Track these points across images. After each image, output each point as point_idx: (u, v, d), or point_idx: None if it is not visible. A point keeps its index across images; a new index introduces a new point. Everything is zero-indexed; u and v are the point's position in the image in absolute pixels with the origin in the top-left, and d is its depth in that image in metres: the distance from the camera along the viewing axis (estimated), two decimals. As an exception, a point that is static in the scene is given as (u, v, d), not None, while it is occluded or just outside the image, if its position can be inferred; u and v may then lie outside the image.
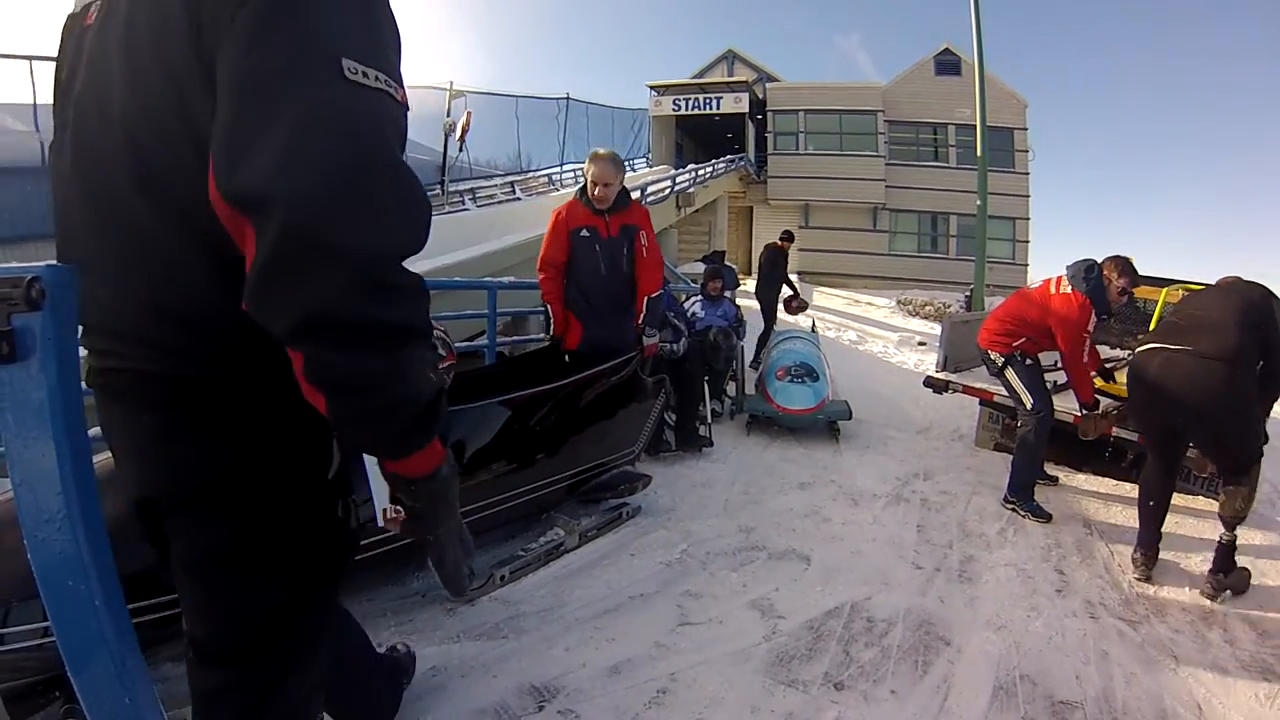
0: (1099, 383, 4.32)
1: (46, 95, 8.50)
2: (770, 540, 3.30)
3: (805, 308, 9.74)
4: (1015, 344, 4.02)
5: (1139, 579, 3.13)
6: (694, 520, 3.49)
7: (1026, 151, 22.71)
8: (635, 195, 5.43)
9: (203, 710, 1.10)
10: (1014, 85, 22.62)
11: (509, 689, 2.10)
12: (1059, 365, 4.17)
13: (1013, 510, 3.91)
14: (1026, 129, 22.65)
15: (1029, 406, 3.97)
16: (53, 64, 1.10)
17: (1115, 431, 4.22)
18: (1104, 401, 4.18)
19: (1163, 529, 3.23)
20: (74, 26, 1.04)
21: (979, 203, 13.62)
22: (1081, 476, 4.69)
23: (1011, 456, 4.12)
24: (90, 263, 0.95)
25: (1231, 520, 3.01)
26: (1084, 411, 4.05)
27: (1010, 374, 4.04)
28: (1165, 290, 6.45)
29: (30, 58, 8.37)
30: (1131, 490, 4.20)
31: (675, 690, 2.14)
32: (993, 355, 4.12)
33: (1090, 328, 3.81)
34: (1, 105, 8.36)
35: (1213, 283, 3.44)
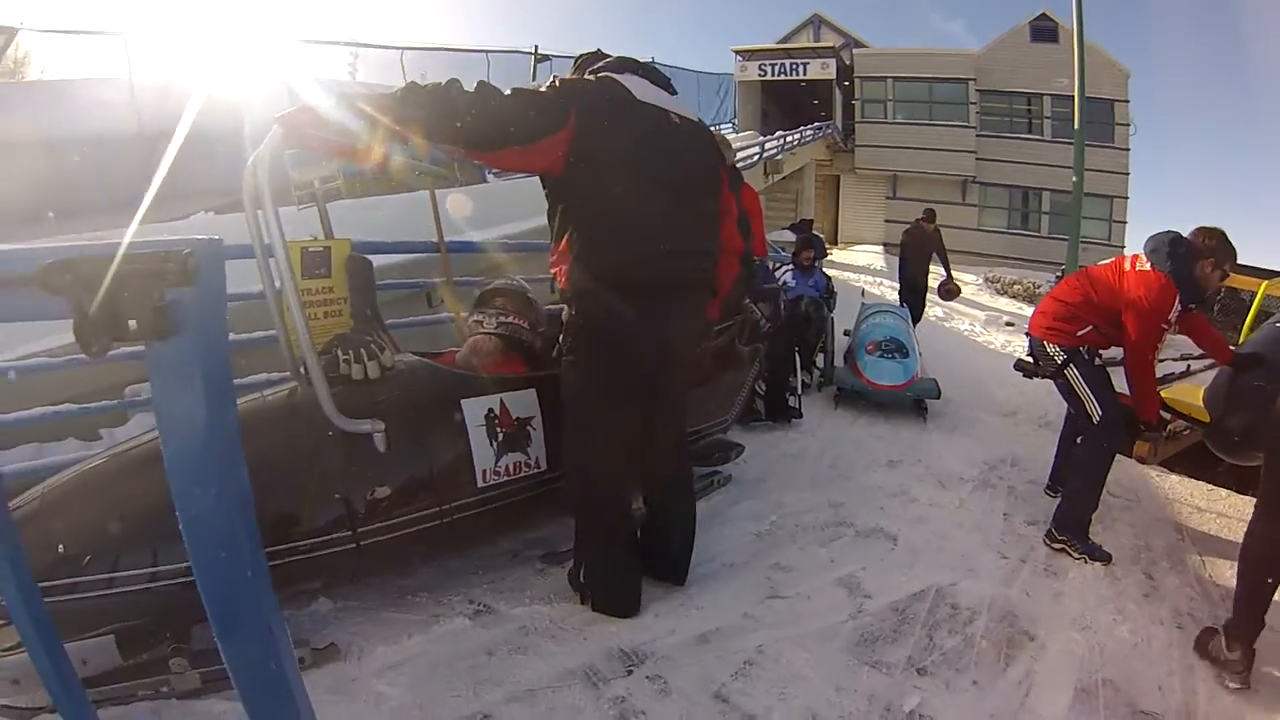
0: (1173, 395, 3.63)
1: (142, 71, 8.62)
2: (858, 517, 3.38)
3: (958, 293, 9.52)
4: (1080, 332, 3.32)
5: (1236, 686, 2.37)
6: (783, 492, 3.60)
7: (1127, 125, 21.43)
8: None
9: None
10: (1115, 53, 21.16)
11: (598, 652, 2.18)
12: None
13: (1063, 551, 3.22)
14: (1128, 101, 21.35)
15: (1097, 418, 3.25)
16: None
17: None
18: (1173, 421, 3.67)
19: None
20: (662, 117, 2.29)
21: (1075, 179, 12.84)
22: (1175, 477, 4.45)
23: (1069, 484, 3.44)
24: (671, 225, 2.25)
25: None
26: (1144, 430, 3.42)
27: (1072, 373, 3.32)
28: (1266, 283, 6.03)
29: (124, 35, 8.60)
30: (1229, 498, 4.06)
31: (761, 663, 2.20)
32: (1050, 347, 3.39)
33: (1172, 316, 3.12)
34: (99, 79, 8.54)
35: None
